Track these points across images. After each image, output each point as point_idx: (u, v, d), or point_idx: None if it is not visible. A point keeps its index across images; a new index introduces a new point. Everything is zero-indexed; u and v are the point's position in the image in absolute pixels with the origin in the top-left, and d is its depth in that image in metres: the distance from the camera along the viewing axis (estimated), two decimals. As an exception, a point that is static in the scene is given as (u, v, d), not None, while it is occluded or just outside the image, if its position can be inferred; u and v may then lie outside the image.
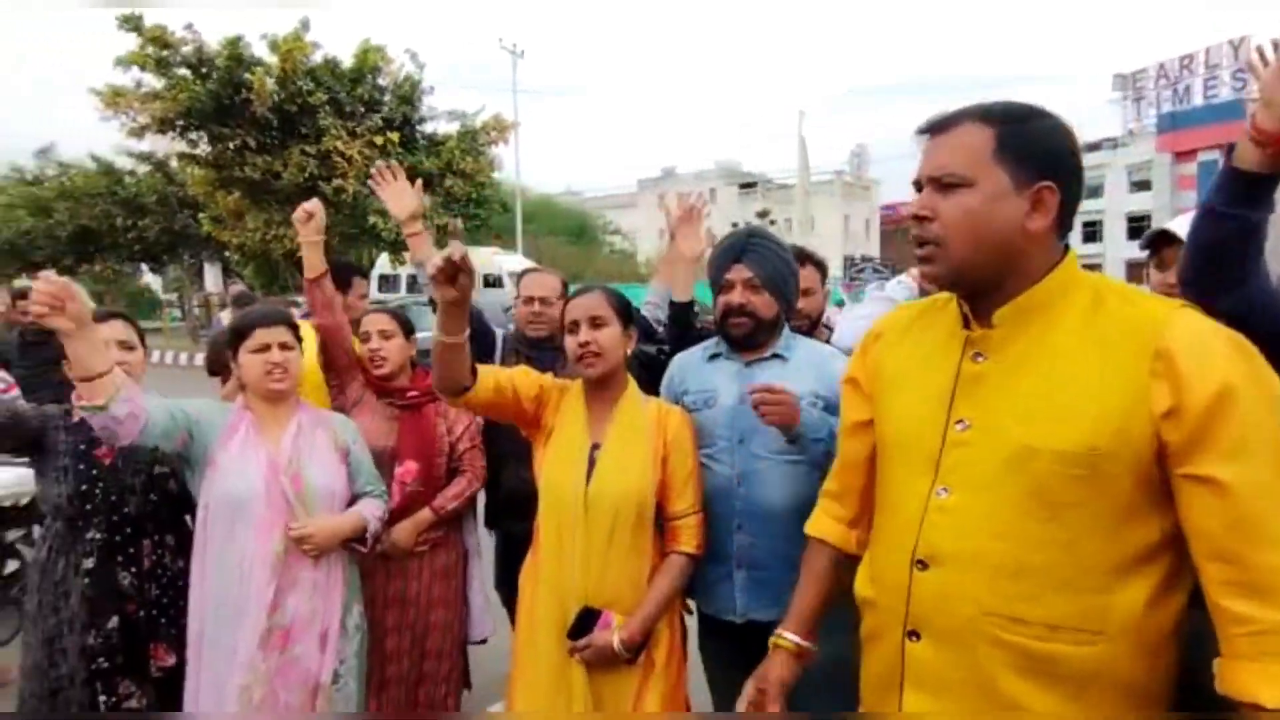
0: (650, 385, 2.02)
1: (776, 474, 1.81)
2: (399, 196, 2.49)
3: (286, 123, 11.50)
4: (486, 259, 16.64)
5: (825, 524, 1.44)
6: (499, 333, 2.68)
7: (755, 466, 1.82)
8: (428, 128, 13.08)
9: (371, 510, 2.10)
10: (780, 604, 1.76)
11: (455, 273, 1.56)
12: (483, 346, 2.61)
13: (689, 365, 2.04)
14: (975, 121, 1.12)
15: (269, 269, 13.14)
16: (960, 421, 1.15)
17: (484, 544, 2.65)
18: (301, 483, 1.98)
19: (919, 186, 1.16)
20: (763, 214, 30.66)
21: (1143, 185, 31.79)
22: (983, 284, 1.14)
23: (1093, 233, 38.91)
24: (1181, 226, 1.71)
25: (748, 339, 1.91)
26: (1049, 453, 1.06)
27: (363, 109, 11.93)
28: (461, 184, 13.03)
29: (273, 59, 11.20)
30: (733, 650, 1.88)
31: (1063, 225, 1.12)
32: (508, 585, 2.59)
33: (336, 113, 11.58)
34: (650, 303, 2.62)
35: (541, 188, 40.48)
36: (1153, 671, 1.09)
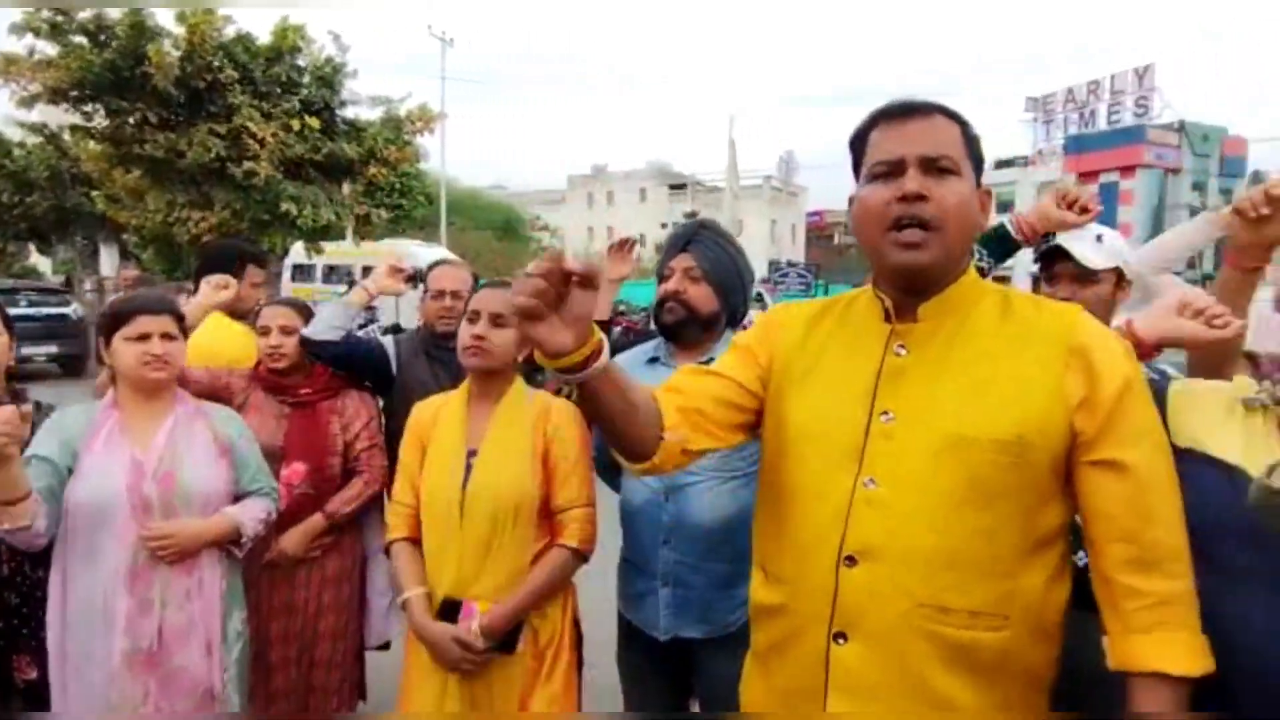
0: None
1: (706, 491, 1.76)
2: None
3: (193, 99, 10.83)
4: (408, 252, 16.22)
5: (658, 393, 1.24)
6: (388, 339, 2.58)
7: (685, 481, 1.77)
8: (349, 113, 12.62)
9: (252, 511, 1.97)
10: (706, 621, 1.77)
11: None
12: (368, 362, 2.47)
13: (626, 369, 1.99)
14: (943, 115, 1.16)
15: (171, 253, 12.38)
16: (885, 413, 1.14)
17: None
18: (174, 483, 1.86)
19: (897, 168, 1.12)
20: (691, 215, 30.98)
21: (1048, 203, 33.56)
22: (941, 275, 1.15)
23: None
24: (1072, 242, 1.81)
25: (679, 329, 1.87)
26: (986, 441, 1.08)
27: (279, 90, 11.36)
28: (385, 173, 12.63)
29: (179, 30, 10.60)
30: (653, 665, 1.85)
31: None
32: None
33: (250, 92, 11.02)
34: None
35: (468, 180, 39.75)
36: (1046, 657, 1.14)
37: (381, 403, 2.54)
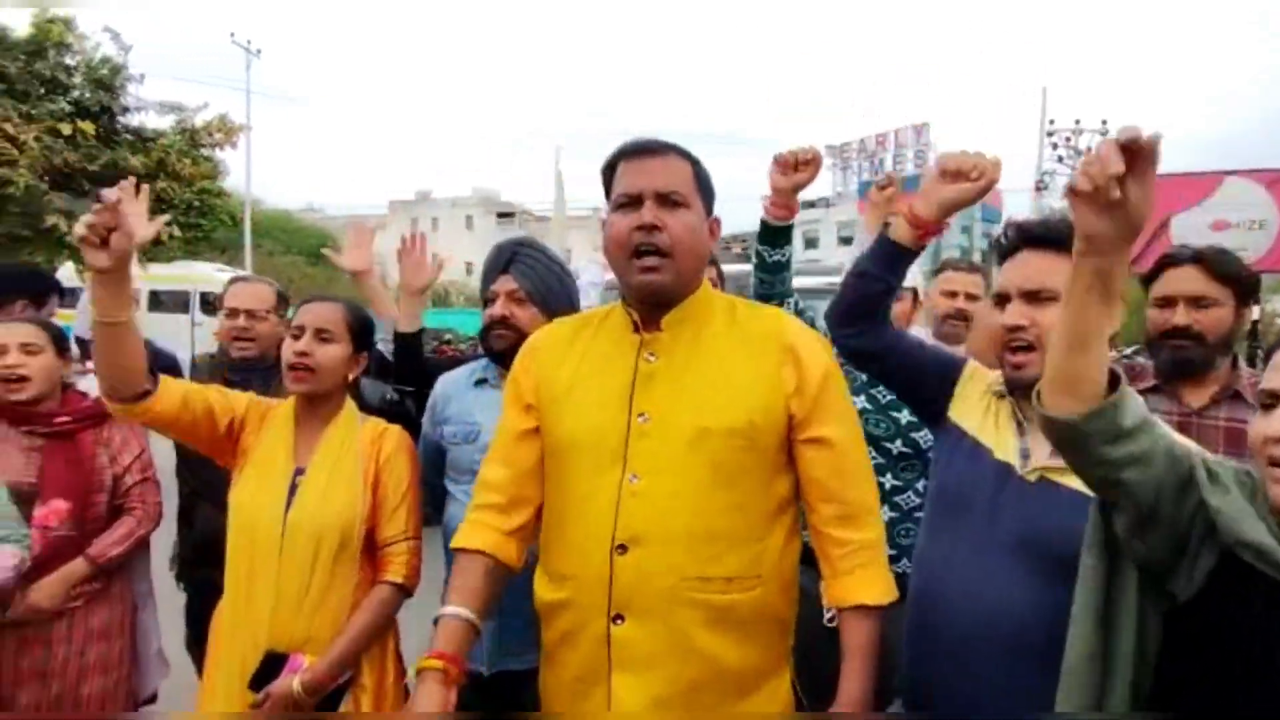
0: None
1: None
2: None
3: (-70, 94, 9.32)
4: (207, 276, 14.82)
5: (484, 536, 1.35)
6: (183, 356, 2.34)
7: None
8: (134, 120, 11.33)
9: (1, 560, 1.70)
10: (534, 650, 1.67)
11: (107, 230, 1.38)
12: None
13: (452, 391, 1.92)
14: (677, 154, 1.32)
15: (-103, 272, 10.42)
16: (641, 415, 1.28)
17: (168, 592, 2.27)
18: None
19: (636, 201, 1.28)
20: (521, 244, 30.82)
21: (847, 240, 37.04)
22: (682, 292, 1.32)
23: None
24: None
25: (509, 354, 1.79)
26: (723, 431, 1.25)
27: (42, 89, 9.98)
28: (178, 188, 11.42)
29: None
30: (477, 700, 1.74)
31: None
32: (201, 645, 2.23)
33: (4, 90, 9.56)
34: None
35: (279, 202, 37.02)
36: (788, 605, 1.36)
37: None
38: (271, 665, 1.56)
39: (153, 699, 2.21)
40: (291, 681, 1.54)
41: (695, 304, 1.34)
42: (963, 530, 1.33)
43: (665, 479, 1.25)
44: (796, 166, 1.89)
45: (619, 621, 1.24)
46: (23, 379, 1.95)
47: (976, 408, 1.41)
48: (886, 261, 1.42)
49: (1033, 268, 1.31)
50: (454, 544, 1.36)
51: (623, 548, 1.24)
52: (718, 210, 1.40)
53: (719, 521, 1.24)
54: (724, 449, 1.25)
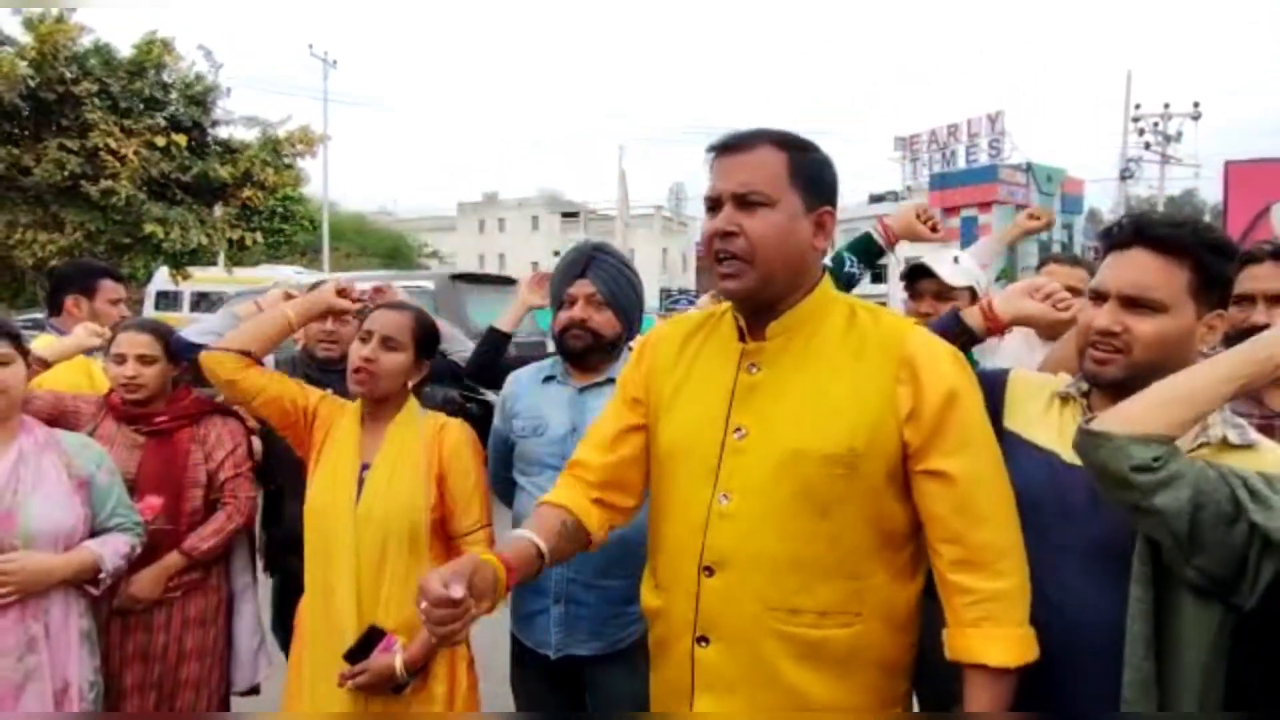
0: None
1: None
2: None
3: (41, 111, 9.99)
4: (287, 279, 15.52)
5: (567, 493, 1.31)
6: (270, 359, 2.47)
7: None
8: (223, 133, 11.96)
9: (114, 545, 1.83)
10: (598, 638, 1.77)
11: None
12: None
13: (522, 387, 1.99)
14: (769, 145, 1.19)
15: (11, 278, 11.28)
16: (738, 430, 1.21)
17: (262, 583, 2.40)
18: (17, 522, 1.71)
19: (717, 204, 1.19)
20: (585, 244, 31.15)
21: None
22: (774, 298, 1.21)
23: (879, 274, 43.29)
24: (935, 262, 1.97)
25: (585, 354, 1.87)
26: (816, 455, 1.15)
27: (142, 105, 10.60)
28: (261, 196, 12.01)
29: (28, 38, 9.76)
30: (545, 684, 1.84)
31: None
32: (285, 630, 2.36)
33: (108, 107, 10.26)
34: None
35: (354, 205, 38.57)
36: (900, 648, 1.23)
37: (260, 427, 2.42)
38: (369, 641, 1.65)
39: (255, 690, 2.30)
40: (393, 660, 1.63)
41: (805, 311, 1.22)
42: (1035, 535, 1.26)
43: (755, 501, 1.17)
44: (934, 228, 2.04)
45: (703, 644, 1.20)
46: (139, 386, 2.11)
47: (1038, 414, 1.32)
48: (959, 341, 1.40)
49: (1139, 270, 1.19)
50: (536, 502, 1.33)
51: (709, 570, 1.19)
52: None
53: (806, 551, 1.15)
54: (817, 475, 1.15)
